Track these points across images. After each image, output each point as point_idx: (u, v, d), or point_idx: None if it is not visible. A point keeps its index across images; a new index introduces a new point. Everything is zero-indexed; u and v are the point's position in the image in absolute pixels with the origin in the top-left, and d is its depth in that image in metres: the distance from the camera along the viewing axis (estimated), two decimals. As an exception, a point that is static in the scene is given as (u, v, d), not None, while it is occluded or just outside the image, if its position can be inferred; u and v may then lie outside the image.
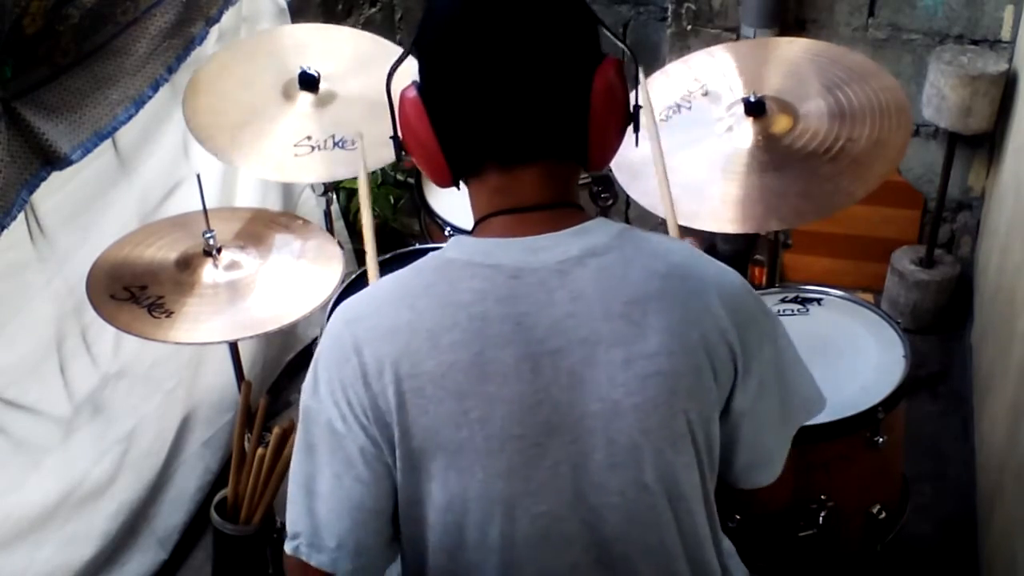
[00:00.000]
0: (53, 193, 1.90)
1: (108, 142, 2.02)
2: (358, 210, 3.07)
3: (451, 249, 1.10)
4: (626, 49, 1.17)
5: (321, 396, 1.09)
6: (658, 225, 1.93)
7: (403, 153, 1.15)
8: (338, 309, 1.12)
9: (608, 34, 1.14)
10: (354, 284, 2.10)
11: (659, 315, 1.05)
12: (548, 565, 1.09)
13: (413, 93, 1.09)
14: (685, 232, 1.78)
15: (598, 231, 1.09)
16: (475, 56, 1.04)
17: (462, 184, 1.14)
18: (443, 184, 1.13)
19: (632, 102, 1.12)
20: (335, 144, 2.03)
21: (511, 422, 1.05)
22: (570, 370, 1.05)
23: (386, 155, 2.01)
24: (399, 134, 1.13)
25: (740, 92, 1.95)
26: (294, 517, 1.12)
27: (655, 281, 1.07)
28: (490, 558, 1.09)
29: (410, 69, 1.12)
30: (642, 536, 1.10)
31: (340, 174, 2.08)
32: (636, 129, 1.13)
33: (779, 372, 1.17)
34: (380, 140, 1.95)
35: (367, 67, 2.17)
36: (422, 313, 1.06)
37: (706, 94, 1.99)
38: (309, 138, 2.04)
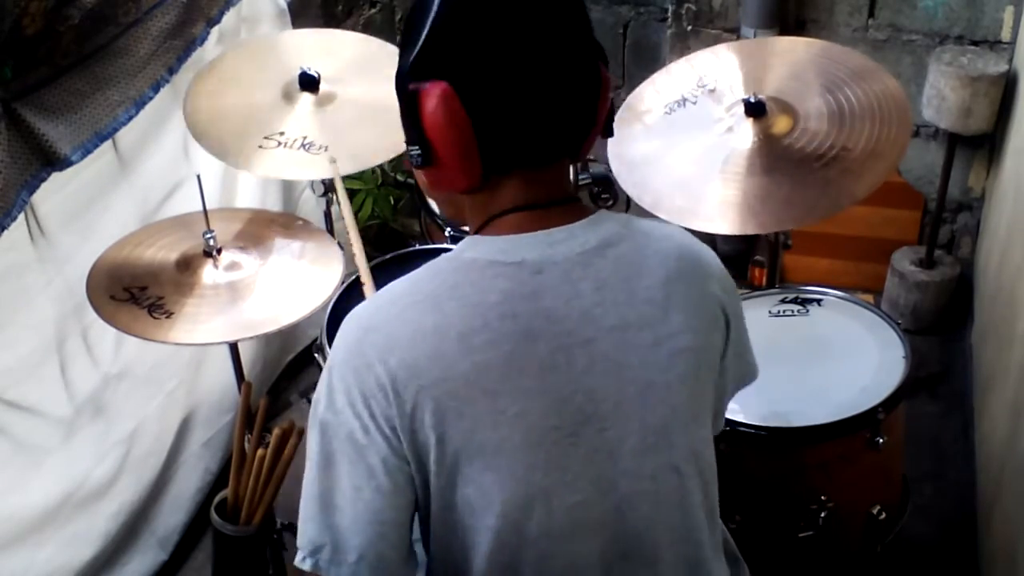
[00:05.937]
0: (54, 194, 1.91)
1: (108, 143, 2.02)
2: (358, 210, 3.09)
3: (468, 249, 1.09)
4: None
5: (339, 408, 1.05)
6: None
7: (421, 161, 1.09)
8: (351, 317, 1.09)
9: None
10: (354, 285, 2.10)
11: (678, 295, 1.10)
12: (578, 555, 1.10)
13: (446, 94, 1.02)
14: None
15: (608, 222, 1.12)
16: (519, 64, 1.03)
17: None
18: (466, 188, 1.09)
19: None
20: (302, 145, 2.01)
21: (548, 414, 1.06)
22: (604, 357, 1.07)
23: (377, 157, 2.04)
24: (426, 139, 1.06)
25: (741, 92, 1.95)
26: (313, 533, 1.08)
27: (670, 263, 1.11)
28: (527, 552, 1.08)
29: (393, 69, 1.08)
30: (669, 520, 1.12)
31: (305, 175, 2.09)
32: (611, 119, 1.15)
33: (742, 339, 1.24)
34: (374, 145, 1.99)
35: (367, 70, 2.16)
36: (449, 316, 1.04)
37: (713, 91, 1.99)
38: (282, 133, 2.03)
